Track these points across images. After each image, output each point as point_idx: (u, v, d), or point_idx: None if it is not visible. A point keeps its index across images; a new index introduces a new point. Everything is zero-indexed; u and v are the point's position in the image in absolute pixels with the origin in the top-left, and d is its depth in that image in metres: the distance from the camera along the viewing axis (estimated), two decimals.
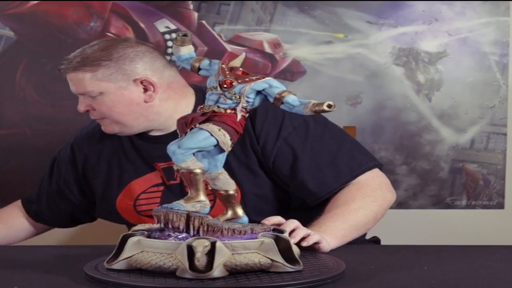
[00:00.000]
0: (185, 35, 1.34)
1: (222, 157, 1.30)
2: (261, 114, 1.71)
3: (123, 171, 1.81)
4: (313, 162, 1.70)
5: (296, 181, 1.70)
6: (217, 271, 1.18)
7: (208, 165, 1.30)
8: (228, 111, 1.27)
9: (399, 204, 2.65)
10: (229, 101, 1.27)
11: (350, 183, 1.69)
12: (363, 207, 1.63)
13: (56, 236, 2.62)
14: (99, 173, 1.84)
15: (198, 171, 1.27)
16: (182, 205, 1.27)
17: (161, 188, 1.76)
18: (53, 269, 1.33)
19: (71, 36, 2.63)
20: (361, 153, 1.75)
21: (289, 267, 1.22)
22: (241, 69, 1.30)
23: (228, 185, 1.31)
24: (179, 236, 1.25)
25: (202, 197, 1.28)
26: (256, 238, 1.23)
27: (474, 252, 1.53)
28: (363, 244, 1.78)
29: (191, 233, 1.25)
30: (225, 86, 1.26)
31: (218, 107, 1.27)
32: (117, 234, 1.28)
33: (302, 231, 1.44)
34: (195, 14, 2.65)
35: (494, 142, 2.72)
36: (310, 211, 1.67)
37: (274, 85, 1.26)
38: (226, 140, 1.26)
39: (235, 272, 1.20)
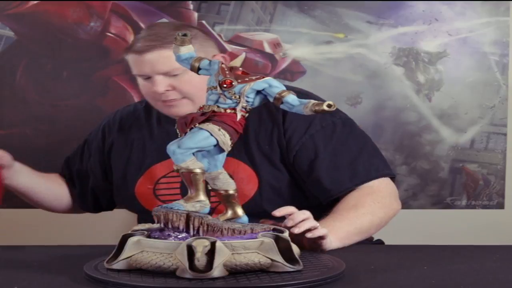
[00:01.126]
0: (184, 34, 1.34)
1: (222, 157, 1.30)
2: None
3: (146, 155, 1.84)
4: (332, 162, 1.72)
5: (312, 177, 1.72)
6: (217, 271, 1.18)
7: (208, 165, 1.30)
8: (228, 111, 1.27)
9: None
10: (228, 101, 1.27)
11: (363, 186, 1.71)
12: (370, 213, 1.65)
13: (56, 236, 2.62)
14: (122, 157, 1.88)
15: (198, 171, 1.27)
16: (182, 205, 1.27)
17: None
18: (53, 269, 1.33)
19: (71, 36, 2.63)
20: (380, 160, 1.77)
21: (289, 267, 1.22)
22: (241, 69, 1.30)
23: (228, 185, 1.31)
24: (179, 236, 1.25)
25: (202, 197, 1.28)
26: (256, 238, 1.23)
27: (474, 252, 1.52)
28: (363, 244, 1.78)
29: (191, 233, 1.25)
30: (225, 86, 1.26)
31: (218, 107, 1.27)
32: (117, 234, 1.28)
33: (310, 222, 1.44)
34: (195, 14, 2.65)
35: (494, 142, 2.72)
36: (322, 213, 1.68)
37: (274, 85, 1.26)
38: (226, 140, 1.26)
39: (235, 272, 1.20)
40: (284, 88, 1.26)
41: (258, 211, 1.63)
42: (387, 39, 2.67)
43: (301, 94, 1.83)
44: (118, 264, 1.25)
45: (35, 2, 2.61)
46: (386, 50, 2.67)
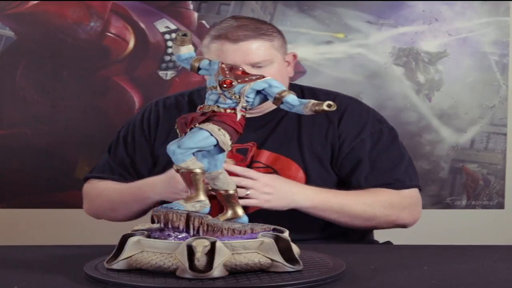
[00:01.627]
0: (184, 34, 1.34)
1: (222, 157, 1.30)
2: (349, 112, 1.79)
3: None
4: (371, 167, 1.77)
5: (352, 179, 1.77)
6: (217, 271, 1.17)
7: (208, 165, 1.30)
8: (228, 110, 1.27)
9: None
10: (228, 101, 1.27)
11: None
12: (370, 207, 1.71)
13: (56, 236, 2.62)
14: (163, 148, 1.82)
15: (198, 171, 1.27)
16: (182, 205, 1.27)
17: None
18: (53, 269, 1.33)
19: (71, 36, 2.63)
20: (413, 171, 1.83)
21: (289, 267, 1.22)
22: (241, 68, 1.30)
23: (228, 185, 1.31)
24: (179, 236, 1.25)
25: (202, 197, 1.28)
26: (256, 238, 1.23)
27: (474, 252, 1.52)
28: (363, 244, 1.78)
29: (191, 233, 1.25)
30: (224, 85, 1.26)
31: (218, 106, 1.27)
32: (117, 234, 1.28)
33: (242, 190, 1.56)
34: (195, 14, 2.65)
35: (494, 142, 2.72)
36: None
37: (274, 85, 1.26)
38: (226, 140, 1.25)
39: (235, 272, 1.20)
40: (284, 88, 1.26)
41: (299, 213, 1.67)
42: (387, 39, 2.67)
43: (331, 94, 1.86)
44: (118, 264, 1.24)
45: (35, 2, 2.61)
46: (386, 50, 2.67)
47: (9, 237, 2.60)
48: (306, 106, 1.21)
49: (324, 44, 2.62)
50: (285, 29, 1.90)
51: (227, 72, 1.28)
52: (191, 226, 1.25)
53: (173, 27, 2.65)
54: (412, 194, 1.80)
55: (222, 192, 1.31)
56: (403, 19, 2.67)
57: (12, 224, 2.66)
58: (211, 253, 1.17)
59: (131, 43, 2.64)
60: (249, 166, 1.72)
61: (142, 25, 2.64)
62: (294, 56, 1.83)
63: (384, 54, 2.67)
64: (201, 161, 1.28)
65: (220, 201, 1.33)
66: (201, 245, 1.16)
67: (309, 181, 1.74)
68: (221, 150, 1.27)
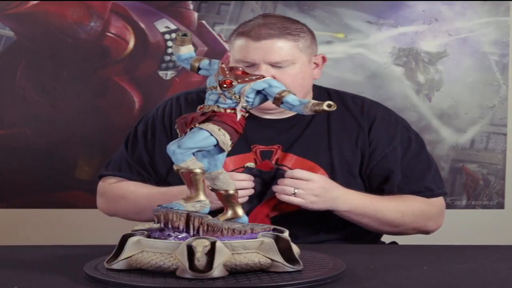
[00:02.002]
0: (184, 34, 1.34)
1: (222, 157, 1.30)
2: (380, 119, 1.80)
3: None
4: (404, 175, 1.78)
5: (385, 187, 1.77)
6: (217, 271, 1.17)
7: (208, 165, 1.30)
8: (228, 111, 1.27)
9: None
10: (228, 101, 1.27)
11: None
12: (402, 215, 1.72)
13: (56, 236, 2.62)
14: None
15: (198, 171, 1.27)
16: (182, 205, 1.27)
17: None
18: (53, 269, 1.33)
19: (71, 36, 2.63)
20: (440, 178, 1.85)
21: (289, 267, 1.22)
22: (240, 68, 1.29)
23: (228, 185, 1.31)
24: (179, 236, 1.25)
25: (202, 197, 1.28)
26: (256, 238, 1.23)
27: (474, 252, 1.52)
28: (363, 244, 1.78)
29: (191, 233, 1.25)
30: (224, 86, 1.26)
31: (218, 106, 1.27)
32: (117, 234, 1.28)
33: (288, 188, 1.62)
34: (195, 14, 2.65)
35: (494, 142, 2.72)
36: None
37: (274, 85, 1.26)
38: (226, 140, 1.25)
39: (235, 272, 1.20)
40: (284, 88, 1.26)
41: (323, 215, 1.68)
42: (387, 39, 2.67)
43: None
44: (118, 264, 1.24)
45: (35, 2, 2.61)
46: (386, 50, 2.67)
47: (9, 237, 2.60)
48: (306, 106, 1.21)
49: (324, 44, 2.62)
50: None
51: (227, 72, 1.28)
52: (191, 226, 1.25)
53: (173, 27, 2.65)
54: (440, 202, 1.83)
55: (222, 192, 1.31)
56: (403, 19, 2.67)
57: (12, 224, 2.66)
58: (211, 253, 1.17)
59: (131, 43, 2.64)
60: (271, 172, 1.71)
61: (142, 25, 2.64)
62: (324, 58, 1.82)
63: (384, 54, 2.67)
64: (201, 161, 1.28)
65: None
66: (201, 245, 1.16)
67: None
68: (221, 150, 1.27)
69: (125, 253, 1.24)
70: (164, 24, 2.65)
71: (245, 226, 1.26)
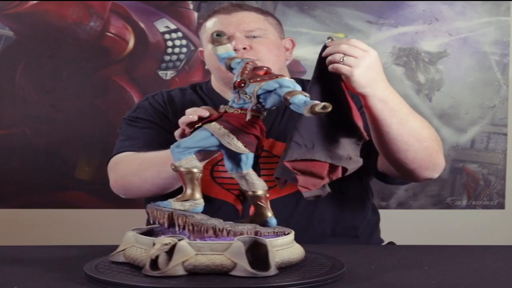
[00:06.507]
0: (218, 35, 1.33)
1: (245, 158, 1.28)
2: None
3: None
4: None
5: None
6: (174, 269, 1.17)
7: (231, 166, 1.29)
8: (239, 111, 1.26)
9: (400, 204, 2.65)
10: (241, 101, 1.26)
11: None
12: (428, 132, 1.60)
13: (56, 236, 2.62)
14: None
15: (194, 170, 1.26)
16: (170, 203, 1.27)
17: None
18: (53, 269, 1.33)
19: (71, 36, 2.63)
20: None
21: (253, 272, 1.18)
22: (265, 68, 1.27)
23: (254, 186, 1.30)
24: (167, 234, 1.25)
25: (197, 195, 1.27)
26: (232, 240, 1.21)
27: (474, 252, 1.52)
28: (363, 244, 1.78)
29: (177, 231, 1.25)
30: (237, 86, 1.25)
31: (231, 107, 1.26)
32: (117, 234, 1.29)
33: (338, 55, 1.44)
34: (195, 14, 2.65)
35: (494, 142, 2.72)
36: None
37: (285, 85, 1.22)
38: (231, 141, 1.24)
39: (194, 272, 1.19)
40: (294, 89, 1.22)
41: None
42: (387, 39, 2.67)
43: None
44: (115, 257, 1.28)
45: (35, 2, 2.61)
46: (386, 50, 2.67)
47: (9, 237, 2.60)
48: (306, 107, 1.20)
49: None
50: (285, 29, 1.90)
51: (246, 72, 1.27)
52: (176, 224, 1.25)
53: (173, 27, 2.65)
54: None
55: (250, 193, 1.30)
56: (403, 19, 2.67)
57: (12, 224, 2.66)
58: (171, 252, 1.17)
59: (131, 43, 2.64)
60: (259, 155, 1.68)
61: (142, 25, 2.64)
62: (292, 41, 1.87)
63: (384, 54, 2.66)
64: (226, 162, 1.28)
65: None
66: (160, 243, 1.16)
67: None
68: (238, 152, 1.26)
69: (121, 246, 1.28)
70: (164, 24, 2.65)
71: (235, 226, 1.24)
